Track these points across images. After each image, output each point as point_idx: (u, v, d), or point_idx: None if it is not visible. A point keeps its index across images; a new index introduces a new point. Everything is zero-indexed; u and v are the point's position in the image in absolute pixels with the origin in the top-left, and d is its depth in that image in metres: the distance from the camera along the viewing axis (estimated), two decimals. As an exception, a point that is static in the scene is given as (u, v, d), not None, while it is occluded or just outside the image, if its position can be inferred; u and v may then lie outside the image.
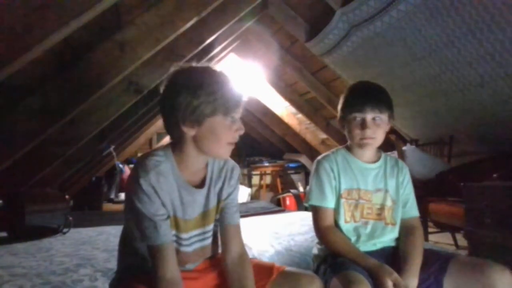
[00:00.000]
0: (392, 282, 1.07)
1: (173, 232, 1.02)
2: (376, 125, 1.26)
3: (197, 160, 1.04)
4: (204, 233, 1.09)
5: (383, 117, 1.27)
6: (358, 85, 1.38)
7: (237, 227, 1.12)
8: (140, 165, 0.98)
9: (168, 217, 1.00)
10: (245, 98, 1.02)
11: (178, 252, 1.02)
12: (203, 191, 1.06)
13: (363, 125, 1.26)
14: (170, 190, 0.99)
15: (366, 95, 1.29)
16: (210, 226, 1.10)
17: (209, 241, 1.11)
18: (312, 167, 1.41)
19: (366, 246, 1.28)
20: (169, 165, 1.00)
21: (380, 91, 1.32)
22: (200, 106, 0.94)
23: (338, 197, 1.30)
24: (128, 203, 0.99)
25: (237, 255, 1.08)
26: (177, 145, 1.02)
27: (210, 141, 0.99)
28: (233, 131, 1.00)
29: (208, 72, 1.00)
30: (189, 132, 0.97)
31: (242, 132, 1.02)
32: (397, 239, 1.31)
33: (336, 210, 1.30)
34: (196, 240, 1.08)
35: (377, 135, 1.27)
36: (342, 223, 1.29)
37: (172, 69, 1.01)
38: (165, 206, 0.98)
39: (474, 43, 2.29)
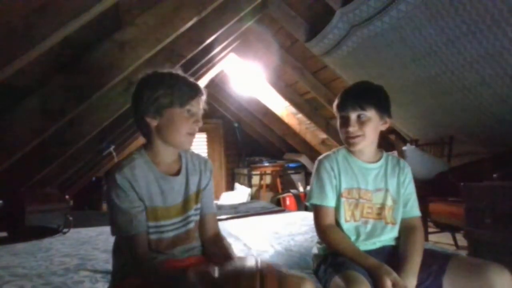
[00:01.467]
0: (391, 282, 1.07)
1: (152, 223, 1.10)
2: (361, 122, 1.26)
3: (167, 153, 1.16)
4: (187, 217, 1.17)
5: (368, 114, 1.26)
6: (349, 86, 1.39)
7: (214, 215, 1.28)
8: (115, 165, 1.09)
9: (145, 208, 1.09)
10: (203, 96, 1.14)
11: (160, 240, 1.11)
12: (180, 178, 1.17)
13: (346, 123, 1.27)
14: (147, 181, 1.09)
15: (347, 94, 1.31)
16: (192, 211, 1.19)
17: (193, 224, 1.19)
18: (313, 167, 1.41)
19: (365, 245, 1.28)
20: (143, 161, 1.12)
21: (366, 89, 1.32)
22: (159, 98, 1.08)
23: (339, 196, 1.31)
24: (107, 201, 1.09)
25: (212, 234, 1.23)
26: (148, 144, 1.16)
27: (171, 130, 1.11)
28: (190, 122, 1.12)
29: (168, 73, 1.14)
30: (152, 122, 1.10)
31: (200, 124, 1.14)
32: (397, 239, 1.31)
33: (337, 209, 1.31)
34: (180, 226, 1.16)
35: (364, 132, 1.27)
36: (342, 222, 1.29)
37: (140, 76, 1.15)
38: (142, 198, 1.08)
39: (474, 43, 2.29)
